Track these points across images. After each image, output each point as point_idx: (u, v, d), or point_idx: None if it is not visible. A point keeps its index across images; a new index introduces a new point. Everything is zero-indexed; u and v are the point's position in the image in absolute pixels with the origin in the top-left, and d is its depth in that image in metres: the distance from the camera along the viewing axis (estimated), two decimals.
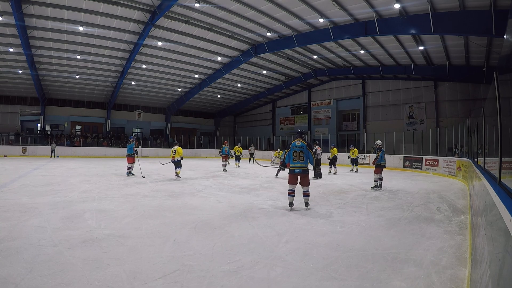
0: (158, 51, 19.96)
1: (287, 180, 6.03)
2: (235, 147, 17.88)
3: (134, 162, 11.15)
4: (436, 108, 21.16)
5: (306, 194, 5.91)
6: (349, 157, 15.71)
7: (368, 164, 18.79)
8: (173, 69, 23.41)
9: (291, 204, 5.83)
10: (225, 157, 14.61)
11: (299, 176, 5.90)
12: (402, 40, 16.16)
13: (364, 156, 19.66)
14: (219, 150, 15.11)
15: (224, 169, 14.23)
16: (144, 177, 10.58)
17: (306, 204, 5.91)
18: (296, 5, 14.05)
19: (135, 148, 11.13)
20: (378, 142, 9.29)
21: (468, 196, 7.84)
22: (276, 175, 12.20)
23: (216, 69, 23.85)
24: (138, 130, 33.11)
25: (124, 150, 26.35)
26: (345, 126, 27.66)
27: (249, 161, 21.66)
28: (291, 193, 5.85)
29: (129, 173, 11.06)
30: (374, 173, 9.02)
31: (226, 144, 15.29)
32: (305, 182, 5.89)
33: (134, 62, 20.86)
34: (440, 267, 3.15)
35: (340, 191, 8.38)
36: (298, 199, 6.21)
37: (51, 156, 22.25)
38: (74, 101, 29.19)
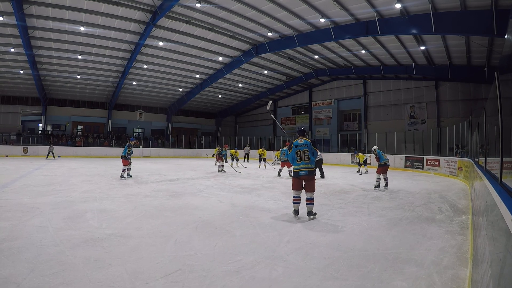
0: (159, 51, 19.99)
1: (290, 179, 5.80)
2: (231, 150, 17.85)
3: (127, 165, 10.35)
4: (437, 108, 21.13)
5: (310, 201, 5.11)
6: (357, 162, 15.54)
7: (369, 164, 18.74)
8: (174, 69, 23.44)
9: (296, 212, 5.15)
10: (222, 158, 14.23)
11: (304, 180, 5.16)
12: (403, 40, 16.15)
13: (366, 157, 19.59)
14: (219, 151, 14.56)
15: (221, 170, 13.83)
16: (129, 176, 10.42)
17: (309, 213, 5.09)
18: (297, 5, 14.05)
19: (129, 150, 10.30)
20: (374, 148, 9.44)
21: (469, 196, 7.83)
22: (278, 174, 12.23)
23: (217, 69, 23.87)
24: (140, 130, 33.15)
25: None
26: (346, 126, 27.63)
27: (244, 160, 21.67)
28: (296, 200, 5.16)
29: (125, 176, 10.29)
30: (376, 172, 9.11)
31: (226, 148, 15.41)
32: (310, 188, 5.13)
33: (135, 62, 20.90)
34: (441, 267, 3.15)
35: (342, 191, 8.37)
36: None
37: (47, 157, 20.94)
38: (75, 101, 29.27)
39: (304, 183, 5.19)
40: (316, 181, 5.40)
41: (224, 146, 15.86)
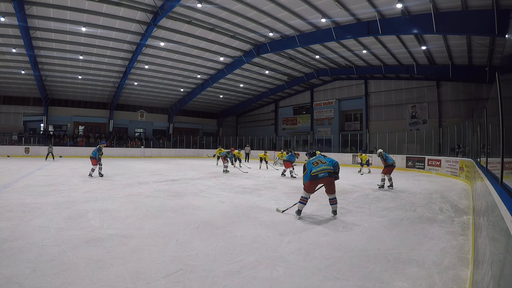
0: (161, 52, 20.01)
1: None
2: (235, 151, 17.87)
3: (96, 164, 10.81)
4: (438, 108, 21.08)
5: (333, 201, 5.23)
6: (359, 163, 15.53)
7: (371, 164, 18.73)
8: (175, 70, 23.45)
9: (300, 212, 5.17)
10: (227, 160, 14.32)
11: (322, 184, 5.19)
12: (405, 40, 16.13)
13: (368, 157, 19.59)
14: (225, 154, 14.62)
15: (225, 171, 13.98)
16: (100, 175, 10.86)
17: (334, 212, 5.27)
18: (298, 5, 14.04)
19: (99, 152, 10.90)
20: (379, 151, 9.45)
21: (470, 197, 7.81)
22: (283, 174, 12.23)
23: (219, 69, 23.87)
24: (141, 130, 33.19)
25: (126, 151, 26.68)
26: (347, 126, 27.62)
27: (245, 160, 21.67)
28: (304, 201, 5.15)
29: (93, 174, 10.84)
30: (382, 173, 9.17)
31: (233, 151, 15.70)
32: (331, 190, 5.17)
33: (137, 62, 20.92)
34: (442, 267, 3.15)
35: (343, 191, 8.36)
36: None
37: (47, 158, 20.09)
38: (76, 102, 29.29)
39: (324, 187, 5.22)
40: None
41: (231, 149, 16.24)
